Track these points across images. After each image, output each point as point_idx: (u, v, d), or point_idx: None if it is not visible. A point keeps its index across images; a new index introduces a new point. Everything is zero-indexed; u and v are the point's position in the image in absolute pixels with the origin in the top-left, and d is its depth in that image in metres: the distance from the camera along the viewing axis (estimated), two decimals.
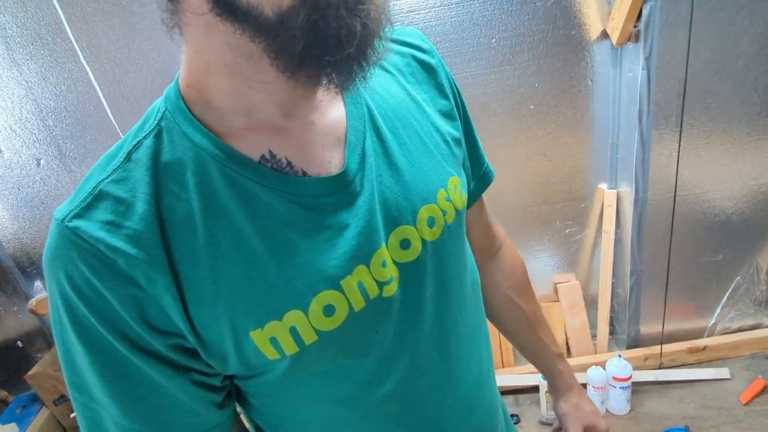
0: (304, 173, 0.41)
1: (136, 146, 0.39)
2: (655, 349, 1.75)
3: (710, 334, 1.80)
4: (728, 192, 1.58)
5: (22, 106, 1.51)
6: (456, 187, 0.50)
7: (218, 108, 0.40)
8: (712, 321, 1.78)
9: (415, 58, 0.52)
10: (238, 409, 0.52)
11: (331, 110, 0.44)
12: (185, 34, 0.38)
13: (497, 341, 1.83)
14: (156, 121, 0.40)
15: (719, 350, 1.75)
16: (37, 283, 1.77)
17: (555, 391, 0.74)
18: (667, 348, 1.74)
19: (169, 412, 0.41)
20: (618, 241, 1.72)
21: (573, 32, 1.48)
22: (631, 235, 1.64)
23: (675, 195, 1.56)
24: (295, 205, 0.40)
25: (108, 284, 0.36)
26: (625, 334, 1.81)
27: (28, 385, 1.69)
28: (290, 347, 0.41)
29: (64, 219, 0.37)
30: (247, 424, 0.54)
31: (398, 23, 1.44)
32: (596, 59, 1.51)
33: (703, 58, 1.39)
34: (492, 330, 1.89)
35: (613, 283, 1.78)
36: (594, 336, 1.85)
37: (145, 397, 0.40)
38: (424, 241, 0.46)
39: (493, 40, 1.48)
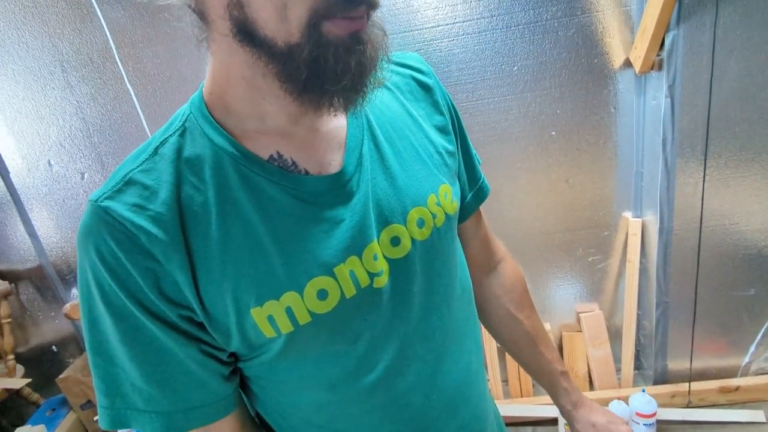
0: (307, 172, 0.47)
1: (163, 142, 0.45)
2: (683, 387, 1.67)
3: (744, 374, 1.70)
4: (759, 224, 1.53)
5: (72, 124, 1.63)
6: (447, 193, 0.54)
7: (236, 113, 0.45)
8: (746, 360, 1.69)
9: (414, 78, 0.58)
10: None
11: (334, 119, 0.50)
12: (211, 48, 0.44)
13: (516, 369, 1.79)
14: (181, 122, 0.46)
15: (754, 391, 1.65)
16: (74, 290, 1.87)
17: (563, 411, 0.73)
18: (696, 386, 1.66)
19: (180, 379, 0.46)
20: (643, 271, 1.68)
21: (595, 60, 1.49)
22: (657, 265, 1.60)
23: (701, 225, 1.51)
24: (297, 199, 0.46)
25: (131, 257, 0.41)
26: (652, 369, 1.74)
27: (59, 388, 1.77)
28: (286, 326, 0.45)
29: (97, 200, 0.42)
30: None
31: (419, 51, 1.49)
32: (619, 87, 1.52)
33: (728, 87, 1.37)
34: (511, 358, 1.84)
35: (638, 314, 1.73)
36: (618, 370, 1.79)
37: (159, 362, 0.45)
38: (413, 240, 0.50)
39: (515, 67, 1.51)
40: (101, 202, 0.42)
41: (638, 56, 1.42)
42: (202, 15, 0.41)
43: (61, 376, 1.74)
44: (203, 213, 0.44)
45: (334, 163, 0.48)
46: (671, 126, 1.43)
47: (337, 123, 0.50)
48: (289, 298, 0.44)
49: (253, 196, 0.45)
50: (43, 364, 1.96)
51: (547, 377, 0.73)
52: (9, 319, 1.83)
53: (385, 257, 0.49)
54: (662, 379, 1.74)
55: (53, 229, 1.78)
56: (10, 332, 1.84)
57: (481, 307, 0.71)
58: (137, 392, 0.45)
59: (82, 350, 1.94)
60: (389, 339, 0.50)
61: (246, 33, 0.39)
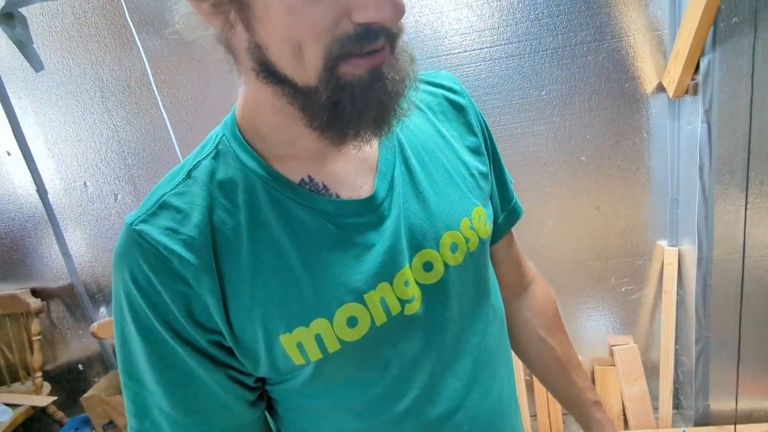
0: (338, 196, 0.46)
1: (196, 165, 0.45)
2: (728, 429, 1.56)
3: None
4: None
5: (108, 147, 1.69)
6: (480, 216, 0.53)
7: (266, 137, 0.45)
8: None
9: (446, 98, 0.57)
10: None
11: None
12: (243, 76, 0.44)
13: (545, 403, 1.71)
14: (214, 145, 0.46)
15: None
16: (102, 309, 1.90)
17: None
18: (743, 429, 1.55)
19: (206, 404, 0.46)
20: (681, 303, 1.60)
21: (626, 85, 1.47)
22: (696, 298, 1.51)
23: (744, 255, 1.44)
24: (328, 223, 0.45)
25: (163, 281, 0.41)
26: (692, 409, 1.63)
27: (83, 407, 1.78)
28: (315, 353, 0.44)
29: (132, 223, 0.43)
30: None
31: (449, 70, 1.50)
32: (652, 112, 1.48)
33: None
34: (540, 390, 1.79)
35: (676, 349, 1.64)
36: (656, 408, 1.68)
37: (186, 386, 0.45)
38: (446, 265, 0.49)
39: (543, 92, 1.50)
40: (136, 225, 0.42)
41: (672, 81, 1.39)
42: (230, 49, 0.42)
43: (85, 395, 1.76)
44: (235, 237, 0.43)
45: (365, 187, 0.47)
46: (708, 151, 1.38)
47: (367, 146, 0.49)
48: (319, 325, 0.44)
49: (283, 219, 0.44)
50: (69, 382, 1.99)
51: (579, 407, 0.68)
52: (39, 337, 1.87)
53: (417, 283, 0.48)
54: (704, 420, 1.62)
55: (85, 249, 1.83)
56: (39, 349, 1.87)
57: (510, 331, 0.68)
58: (164, 417, 0.45)
59: (107, 369, 1.95)
60: (420, 367, 0.49)
61: (269, 71, 0.39)
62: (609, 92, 1.48)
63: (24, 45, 1.36)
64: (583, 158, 1.55)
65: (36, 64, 1.42)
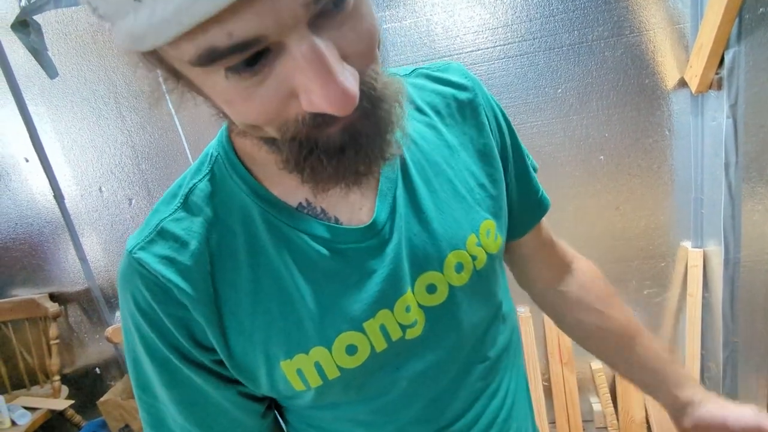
0: (337, 220, 0.44)
1: (192, 189, 0.44)
2: None
3: None
4: None
5: (122, 152, 1.70)
6: (489, 230, 0.50)
7: (261, 159, 0.43)
8: None
9: (455, 98, 0.52)
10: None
11: None
12: None
13: (564, 409, 1.66)
14: (209, 166, 0.45)
15: None
16: (117, 313, 1.91)
17: (689, 404, 0.57)
18: None
19: (216, 420, 0.46)
20: (706, 307, 1.53)
21: (647, 81, 1.42)
22: (723, 301, 1.45)
23: None
24: (327, 250, 0.43)
25: (163, 307, 0.42)
26: None
27: (100, 411, 1.79)
28: (314, 380, 0.44)
29: (131, 250, 0.42)
30: None
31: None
32: (674, 108, 1.43)
33: None
34: (559, 395, 1.73)
35: (702, 355, 1.57)
36: None
37: (196, 403, 0.45)
38: (451, 287, 0.47)
39: (559, 90, 1.46)
40: (135, 253, 0.42)
41: (694, 75, 1.34)
42: None
43: (101, 399, 1.77)
44: (233, 263, 0.43)
45: (365, 209, 0.45)
46: (734, 148, 1.32)
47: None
48: (318, 352, 0.43)
49: (281, 246, 0.43)
50: (86, 386, 2.00)
51: (661, 366, 0.59)
52: (57, 341, 1.89)
53: (420, 306, 0.46)
54: None
55: (101, 253, 1.85)
56: (57, 353, 1.90)
57: (564, 319, 0.65)
58: (179, 427, 0.46)
59: (123, 373, 1.97)
60: (424, 385, 0.48)
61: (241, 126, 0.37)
62: (628, 89, 1.43)
63: (39, 52, 1.38)
64: (602, 157, 1.50)
65: (51, 71, 1.43)
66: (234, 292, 0.42)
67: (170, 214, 0.43)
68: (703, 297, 1.53)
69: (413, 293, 0.46)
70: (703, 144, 1.43)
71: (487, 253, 0.49)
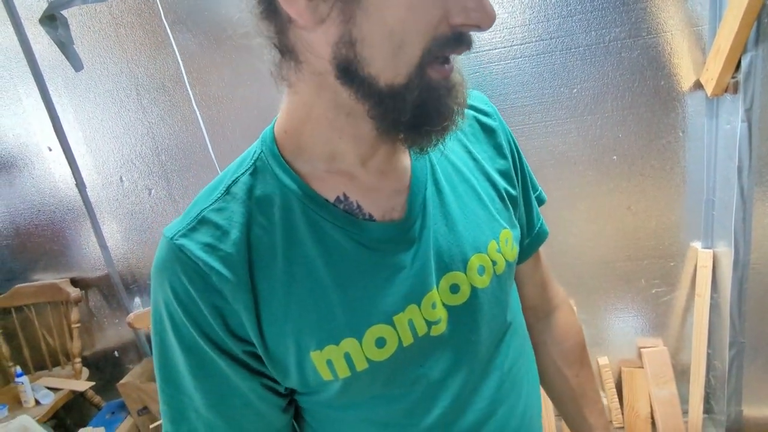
0: (371, 216, 0.47)
1: (235, 181, 0.46)
2: None
3: None
4: None
5: (143, 143, 1.74)
6: (508, 239, 0.53)
7: (307, 153, 0.46)
8: None
9: (477, 120, 0.57)
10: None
11: (399, 162, 0.50)
12: (295, 87, 0.44)
13: None
14: (252, 161, 0.47)
15: None
16: (137, 300, 1.97)
17: None
18: None
19: (241, 411, 0.47)
20: (714, 307, 1.56)
21: (662, 82, 1.42)
22: (731, 302, 1.47)
23: None
24: (361, 245, 0.46)
25: (202, 294, 0.43)
26: (724, 415, 1.59)
27: (119, 393, 1.86)
28: (343, 371, 0.45)
29: (173, 237, 0.44)
30: None
31: (475, 74, 1.47)
32: (689, 110, 1.44)
33: None
34: None
35: (709, 353, 1.60)
36: (685, 412, 1.65)
37: (224, 394, 0.46)
38: (473, 288, 0.49)
39: (575, 90, 1.47)
40: (176, 239, 0.43)
41: (710, 78, 1.35)
42: (289, 53, 0.41)
43: (121, 381, 1.83)
44: (270, 254, 0.44)
45: (397, 207, 0.48)
46: (748, 152, 1.33)
47: (401, 166, 0.50)
48: (348, 344, 0.45)
49: (318, 239, 0.45)
50: (106, 368, 2.07)
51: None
52: (78, 324, 1.95)
53: (444, 305, 0.48)
54: (737, 426, 1.59)
55: (121, 241, 1.90)
56: (78, 336, 1.96)
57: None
58: (201, 420, 0.47)
59: (141, 357, 2.03)
60: (446, 385, 0.50)
61: (347, 71, 0.39)
62: (643, 90, 1.44)
63: (65, 45, 1.41)
64: (615, 157, 1.52)
65: (76, 64, 1.47)
66: (270, 282, 0.44)
67: (211, 204, 0.45)
68: (712, 297, 1.55)
69: (438, 292, 0.48)
70: (717, 147, 1.44)
71: (506, 260, 0.52)
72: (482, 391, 0.51)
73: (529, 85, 1.49)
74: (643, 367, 1.67)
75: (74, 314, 1.94)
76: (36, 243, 1.96)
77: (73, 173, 1.79)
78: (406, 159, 0.50)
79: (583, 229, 1.60)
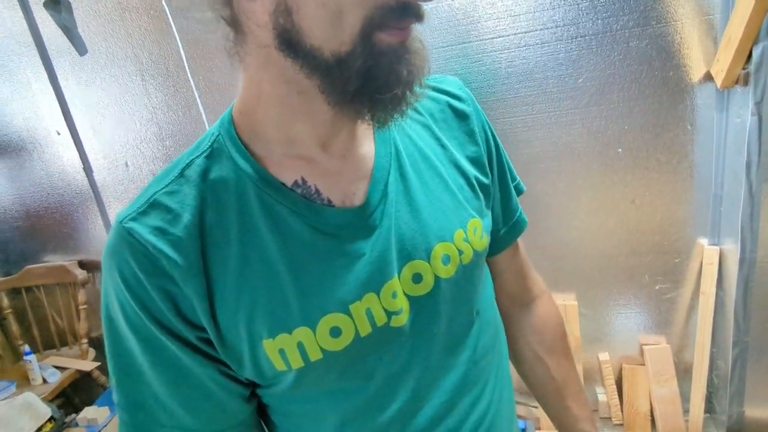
0: (330, 202, 0.45)
1: (189, 164, 0.45)
2: None
3: None
4: None
5: (147, 129, 1.76)
6: (476, 228, 0.51)
7: (263, 136, 0.45)
8: None
9: (450, 105, 0.55)
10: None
11: (362, 147, 0.48)
12: (244, 63, 0.43)
13: None
14: (209, 143, 0.46)
15: None
16: None
17: None
18: None
19: (201, 400, 0.46)
20: (719, 305, 1.52)
21: (671, 73, 1.38)
22: (736, 300, 1.44)
23: None
24: (317, 230, 0.44)
25: (151, 279, 0.41)
26: (726, 415, 1.56)
27: None
28: (296, 361, 0.44)
29: (122, 221, 0.42)
30: None
31: (478, 62, 1.45)
32: (698, 102, 1.39)
33: None
34: None
35: (712, 352, 1.57)
36: (686, 411, 1.63)
37: (181, 383, 0.45)
38: (437, 278, 0.48)
39: (580, 80, 1.43)
40: (125, 223, 0.42)
41: (721, 69, 1.30)
42: (236, 26, 0.40)
43: None
44: (224, 239, 0.43)
45: (358, 193, 0.47)
46: (758, 147, 1.29)
47: (364, 151, 0.48)
48: (301, 333, 0.43)
49: (273, 224, 0.44)
50: None
51: (572, 422, 0.65)
52: (85, 306, 2.00)
53: (406, 295, 0.47)
54: (738, 426, 1.56)
55: None
56: (85, 318, 2.00)
57: (509, 344, 0.66)
58: (161, 407, 0.45)
59: None
60: (405, 378, 0.48)
61: (289, 43, 0.38)
62: (651, 81, 1.40)
63: (69, 30, 1.42)
64: (620, 150, 1.48)
65: (81, 49, 1.48)
66: (223, 267, 0.43)
67: (164, 187, 0.43)
68: (717, 295, 1.51)
69: (399, 281, 0.46)
70: (726, 141, 1.40)
71: (473, 249, 0.51)
72: (443, 385, 0.50)
73: (533, 75, 1.45)
74: (644, 365, 1.64)
75: (81, 296, 1.99)
76: (45, 225, 2.00)
77: (80, 157, 1.81)
78: (369, 144, 0.49)
79: (587, 222, 1.58)
